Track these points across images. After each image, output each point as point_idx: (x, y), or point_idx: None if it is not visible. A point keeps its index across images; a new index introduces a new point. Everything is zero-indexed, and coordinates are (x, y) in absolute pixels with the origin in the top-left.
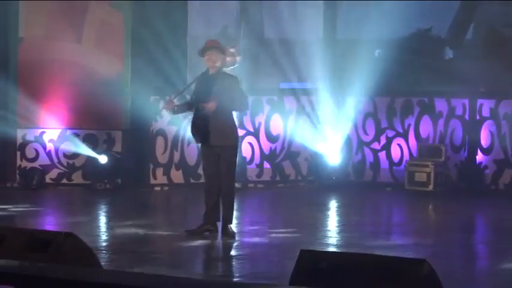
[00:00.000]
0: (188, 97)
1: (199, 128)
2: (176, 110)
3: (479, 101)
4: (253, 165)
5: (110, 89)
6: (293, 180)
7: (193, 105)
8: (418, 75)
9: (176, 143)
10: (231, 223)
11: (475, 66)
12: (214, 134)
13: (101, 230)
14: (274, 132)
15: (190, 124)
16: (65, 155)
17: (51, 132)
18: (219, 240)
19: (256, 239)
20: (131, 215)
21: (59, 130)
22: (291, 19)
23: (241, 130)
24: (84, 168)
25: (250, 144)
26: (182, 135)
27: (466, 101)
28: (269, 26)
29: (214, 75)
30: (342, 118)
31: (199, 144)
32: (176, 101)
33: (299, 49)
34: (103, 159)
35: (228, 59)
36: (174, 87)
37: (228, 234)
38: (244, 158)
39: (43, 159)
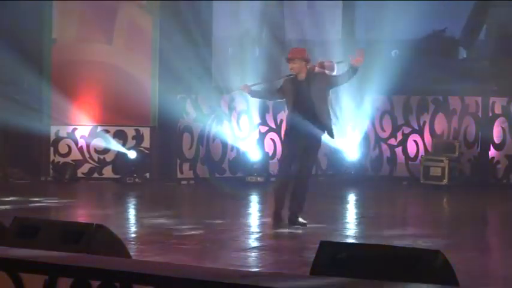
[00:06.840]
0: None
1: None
2: (253, 93)
3: (492, 99)
4: (275, 160)
5: (139, 88)
6: (313, 175)
7: (272, 98)
8: (433, 75)
9: (202, 139)
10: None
11: (487, 65)
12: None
13: (130, 222)
14: None
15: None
16: (96, 151)
17: (83, 129)
18: (242, 231)
19: (277, 230)
20: (159, 207)
21: (90, 127)
22: (311, 20)
23: (264, 127)
24: (114, 163)
25: (273, 140)
26: (207, 132)
27: (479, 99)
28: (290, 27)
29: (303, 80)
30: (360, 115)
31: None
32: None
33: (319, 49)
34: (132, 154)
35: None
36: (201, 85)
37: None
38: (267, 153)
39: (75, 155)
